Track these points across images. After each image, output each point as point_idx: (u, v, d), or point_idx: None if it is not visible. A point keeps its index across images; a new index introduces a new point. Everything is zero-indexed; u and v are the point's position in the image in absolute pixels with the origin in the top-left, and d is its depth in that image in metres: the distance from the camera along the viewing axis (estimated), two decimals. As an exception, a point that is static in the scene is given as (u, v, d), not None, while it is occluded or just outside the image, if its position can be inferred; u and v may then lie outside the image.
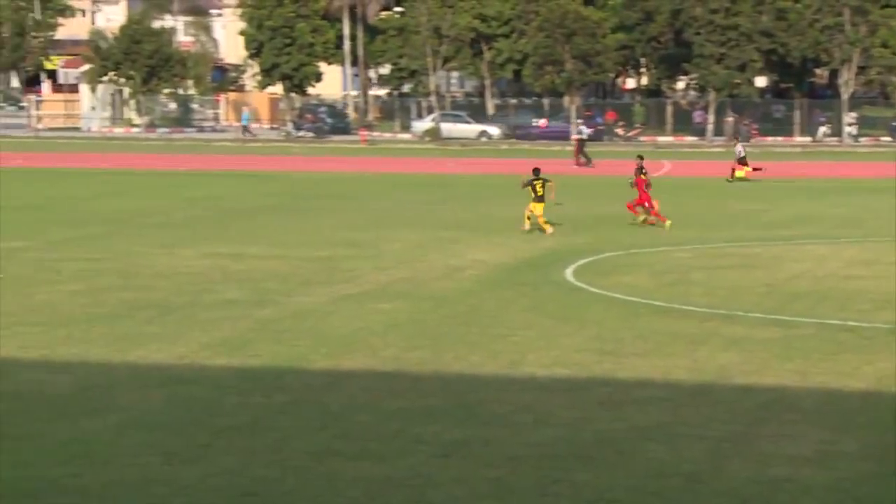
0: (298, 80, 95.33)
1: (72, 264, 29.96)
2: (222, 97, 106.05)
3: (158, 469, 14.43)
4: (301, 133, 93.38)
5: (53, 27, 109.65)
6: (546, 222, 36.03)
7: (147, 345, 20.97)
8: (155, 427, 16.13)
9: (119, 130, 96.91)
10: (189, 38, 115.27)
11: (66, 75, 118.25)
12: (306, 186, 53.10)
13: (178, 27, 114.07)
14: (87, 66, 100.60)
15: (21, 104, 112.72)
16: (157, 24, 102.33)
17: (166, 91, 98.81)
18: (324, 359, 20.04)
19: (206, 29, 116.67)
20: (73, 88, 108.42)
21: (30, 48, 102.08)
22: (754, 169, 56.90)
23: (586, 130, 71.42)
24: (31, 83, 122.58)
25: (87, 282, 27.43)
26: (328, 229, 37.40)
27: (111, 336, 21.67)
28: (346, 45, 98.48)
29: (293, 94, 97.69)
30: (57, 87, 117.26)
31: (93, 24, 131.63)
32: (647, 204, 38.31)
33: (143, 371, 19.20)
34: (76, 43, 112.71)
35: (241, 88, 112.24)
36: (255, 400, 17.44)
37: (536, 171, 36.67)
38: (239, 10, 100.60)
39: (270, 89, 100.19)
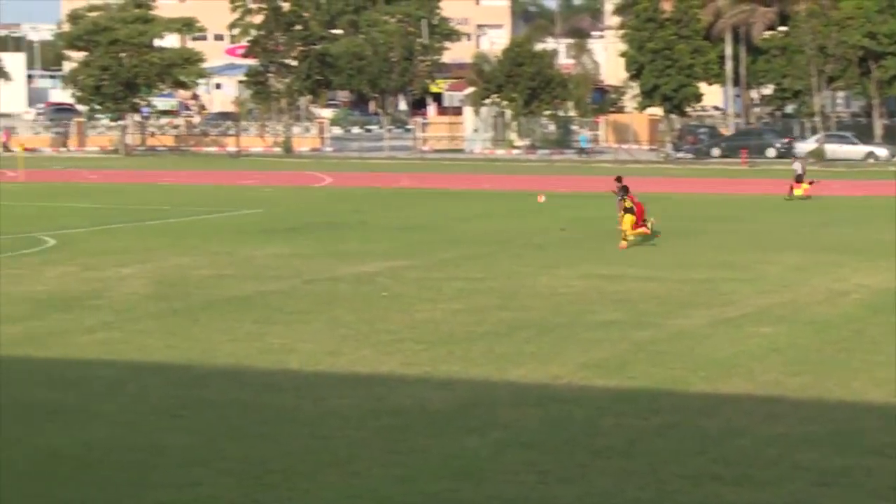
0: (678, 102, 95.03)
1: (453, 283, 30.68)
2: (602, 119, 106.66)
3: (534, 487, 14.62)
4: (680, 154, 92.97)
5: (440, 51, 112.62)
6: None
7: (525, 364, 21.28)
8: (532, 446, 16.35)
9: (500, 152, 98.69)
10: (570, 61, 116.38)
11: (450, 98, 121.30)
12: (685, 208, 52.79)
13: (559, 49, 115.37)
14: (470, 89, 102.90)
15: (408, 126, 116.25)
16: (539, 47, 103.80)
17: (546, 113, 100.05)
18: (701, 382, 19.89)
19: (587, 51, 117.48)
20: (457, 111, 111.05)
21: (417, 72, 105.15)
22: (810, 183, 57.26)
23: None
24: (417, 106, 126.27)
25: (468, 300, 28.04)
26: (706, 251, 37.09)
27: (491, 354, 22.10)
28: (728, 65, 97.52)
29: (672, 116, 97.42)
30: (442, 110, 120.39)
31: (477, 47, 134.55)
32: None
33: (522, 390, 19.49)
34: (461, 66, 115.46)
35: (620, 110, 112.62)
36: (632, 422, 17.45)
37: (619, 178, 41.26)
38: (620, 33, 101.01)
39: (650, 110, 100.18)
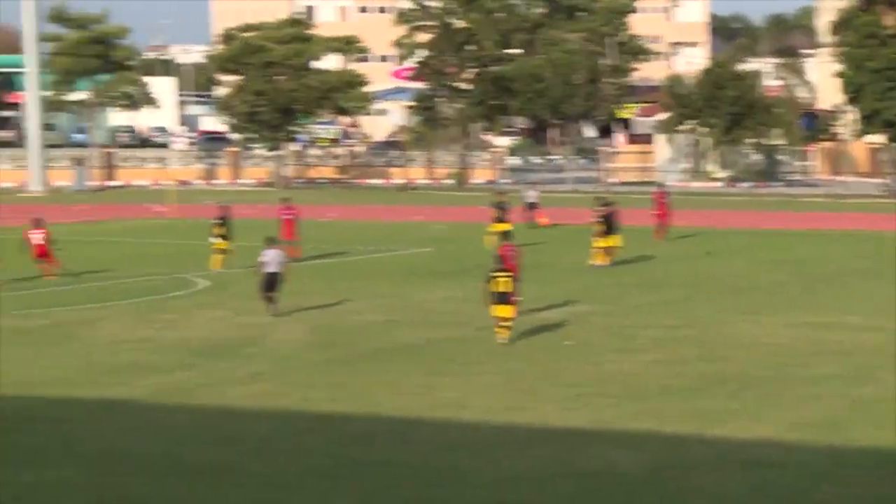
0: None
1: (647, 331, 30.53)
2: (813, 147, 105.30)
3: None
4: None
5: (628, 72, 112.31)
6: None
7: (727, 422, 21.09)
8: (737, 515, 16.21)
9: (697, 184, 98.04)
10: (778, 82, 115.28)
11: (640, 124, 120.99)
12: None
13: (765, 70, 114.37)
14: (663, 115, 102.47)
15: (593, 157, 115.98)
16: (741, 68, 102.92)
17: (749, 141, 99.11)
18: (931, 446, 19.51)
19: (798, 72, 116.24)
20: (648, 138, 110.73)
21: (603, 95, 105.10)
22: None
23: None
24: (604, 133, 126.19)
25: (663, 351, 27.88)
26: (935, 298, 36.36)
27: (688, 411, 21.94)
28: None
29: None
30: (632, 138, 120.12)
31: (670, 68, 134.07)
32: None
33: (724, 451, 19.31)
34: (652, 89, 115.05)
35: (833, 137, 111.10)
36: (854, 491, 17.17)
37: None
38: (835, 51, 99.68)
39: (869, 138, 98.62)
